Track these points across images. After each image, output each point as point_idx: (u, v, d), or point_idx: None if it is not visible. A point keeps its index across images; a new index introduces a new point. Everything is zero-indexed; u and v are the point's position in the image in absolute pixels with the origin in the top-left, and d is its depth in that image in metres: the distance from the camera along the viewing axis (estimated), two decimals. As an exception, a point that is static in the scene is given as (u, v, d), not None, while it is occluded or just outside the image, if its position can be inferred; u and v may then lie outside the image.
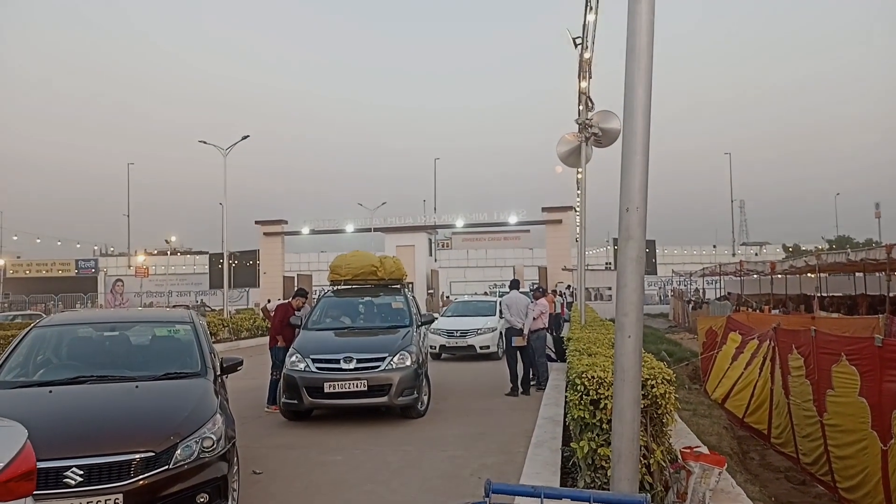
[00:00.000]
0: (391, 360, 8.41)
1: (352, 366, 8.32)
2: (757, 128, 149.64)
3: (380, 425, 8.17)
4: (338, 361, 8.37)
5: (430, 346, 14.73)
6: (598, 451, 4.41)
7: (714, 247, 63.71)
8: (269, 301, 21.20)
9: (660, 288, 49.48)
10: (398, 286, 11.20)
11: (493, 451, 6.79)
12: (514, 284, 11.64)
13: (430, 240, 41.09)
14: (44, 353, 5.50)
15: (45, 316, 9.59)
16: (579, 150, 10.47)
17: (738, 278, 29.74)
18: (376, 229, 40.96)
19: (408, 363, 8.45)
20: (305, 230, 43.01)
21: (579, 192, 15.98)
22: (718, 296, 33.48)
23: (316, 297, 13.80)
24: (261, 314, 22.60)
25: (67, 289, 55.02)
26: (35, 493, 2.73)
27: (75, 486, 3.84)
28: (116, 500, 3.86)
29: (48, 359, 5.47)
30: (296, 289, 11.74)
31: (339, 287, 11.10)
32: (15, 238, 62.52)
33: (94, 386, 4.91)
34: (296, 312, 10.03)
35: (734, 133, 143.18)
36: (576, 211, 31.16)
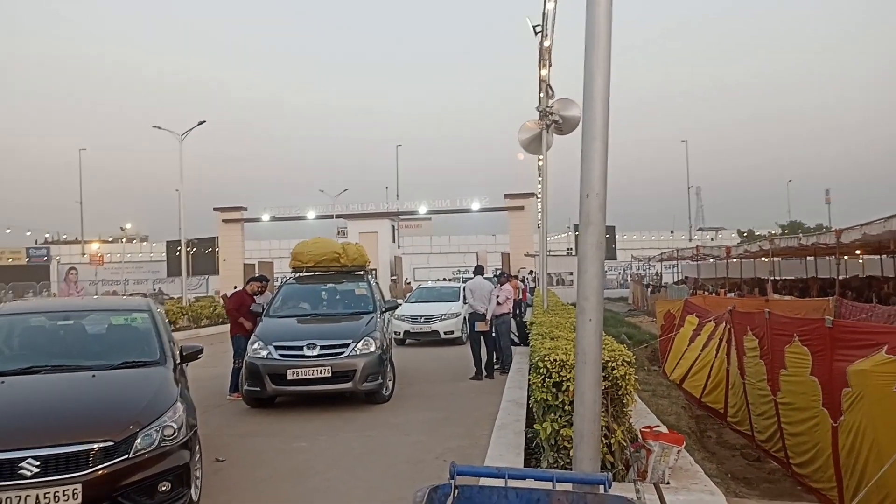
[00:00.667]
0: (355, 346, 8.38)
1: (315, 352, 8.27)
2: (713, 117, 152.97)
3: (344, 411, 8.16)
4: (301, 348, 8.30)
5: (395, 332, 14.73)
6: (561, 433, 4.49)
7: (672, 232, 65.10)
8: (234, 288, 20.96)
9: (620, 273, 50.36)
10: (361, 272, 11.15)
11: (457, 435, 6.85)
12: (479, 270, 11.71)
13: (392, 227, 40.95)
14: (-7, 343, 5.33)
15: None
16: (540, 138, 10.53)
17: (695, 263, 30.46)
18: (338, 216, 40.65)
19: (372, 349, 8.44)
20: (266, 217, 42.42)
21: (540, 178, 16.11)
22: (676, 280, 34.29)
23: (278, 284, 13.65)
24: (221, 301, 22.27)
25: (18, 277, 53.25)
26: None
27: (31, 478, 3.75)
28: (75, 491, 3.78)
29: (-1, 349, 5.30)
30: (256, 275, 11.58)
31: (301, 274, 11.00)
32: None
33: (49, 376, 4.78)
34: (254, 299, 9.90)
35: (691, 122, 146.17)
36: (537, 197, 31.42)
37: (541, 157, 11.88)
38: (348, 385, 8.20)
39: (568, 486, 2.15)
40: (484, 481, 2.07)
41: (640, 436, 4.68)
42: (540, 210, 17.47)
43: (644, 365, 12.51)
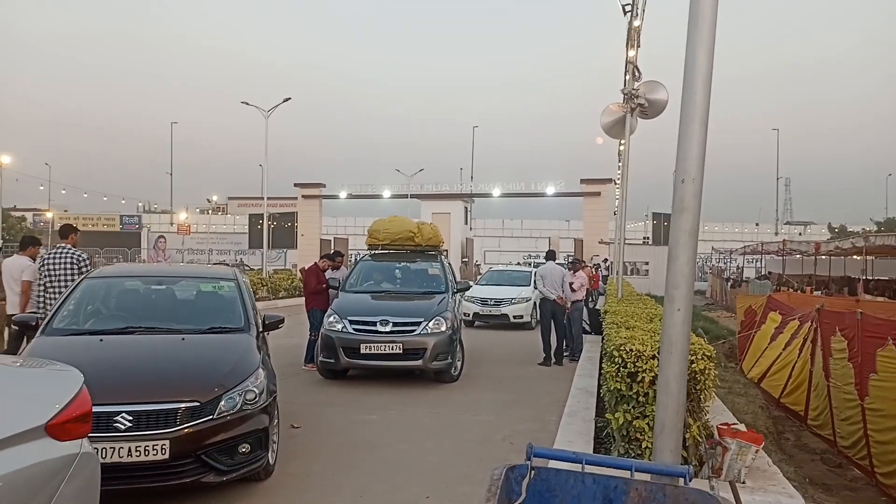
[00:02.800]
0: (426, 325, 8.49)
1: (387, 329, 8.43)
2: (807, 104, 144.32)
3: (414, 388, 8.30)
4: (374, 324, 8.48)
5: (464, 314, 14.82)
6: (634, 423, 4.42)
7: (757, 225, 62.28)
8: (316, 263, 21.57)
9: (699, 265, 48.69)
10: (435, 253, 11.24)
11: (525, 419, 6.85)
12: (551, 255, 11.59)
13: (465, 208, 40.98)
14: (94, 303, 5.68)
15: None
16: (623, 121, 10.24)
17: (780, 258, 29.01)
18: (413, 196, 40.97)
19: (443, 328, 8.52)
20: (343, 194, 43.28)
21: (620, 164, 15.70)
22: (759, 275, 32.79)
23: (352, 260, 13.92)
24: (298, 275, 22.95)
25: (112, 243, 56.59)
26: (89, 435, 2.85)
27: (125, 431, 3.99)
28: (163, 446, 4.01)
29: (98, 309, 5.64)
30: (331, 251, 11.89)
31: (376, 251, 11.19)
32: (63, 192, 64.44)
33: (143, 336, 5.07)
34: (325, 273, 10.17)
35: (782, 105, 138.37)
36: (615, 183, 30.63)
37: (622, 141, 11.58)
38: (418, 363, 8.33)
39: (645, 477, 2.11)
40: (559, 465, 2.07)
41: (716, 432, 4.54)
42: (618, 197, 17.04)
43: (721, 361, 12.08)
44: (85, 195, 66.67)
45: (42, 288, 7.12)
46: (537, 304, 12.83)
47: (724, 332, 15.95)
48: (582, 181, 38.56)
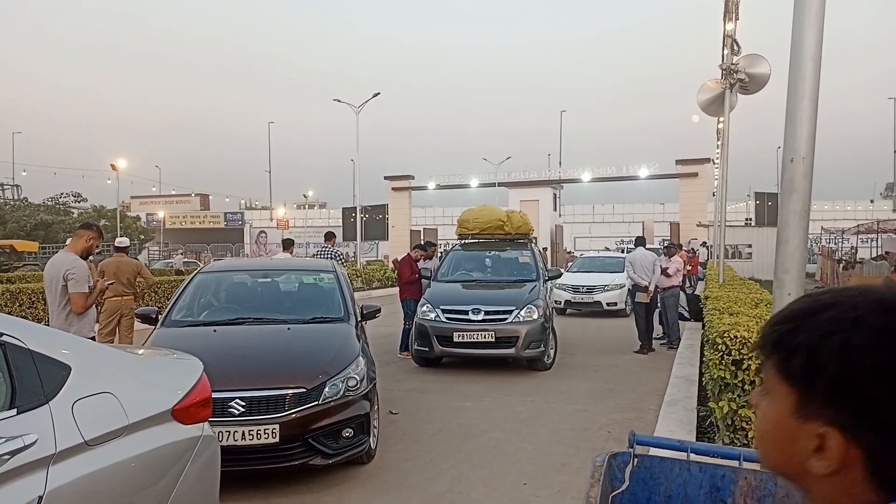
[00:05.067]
0: (518, 313, 8.49)
1: (480, 317, 8.50)
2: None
3: (507, 376, 8.33)
4: (466, 313, 8.58)
5: (555, 302, 14.68)
6: (739, 412, 4.25)
7: (872, 202, 57.82)
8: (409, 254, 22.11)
9: (807, 246, 45.74)
10: (525, 241, 11.19)
11: (622, 408, 6.73)
12: (640, 241, 11.24)
13: (554, 195, 40.42)
14: (206, 296, 6.07)
15: (200, 264, 10.63)
16: (722, 98, 9.79)
17: (900, 237, 26.87)
18: (500, 184, 40.88)
19: (535, 317, 8.50)
20: (431, 185, 43.78)
21: (720, 142, 15.01)
22: (875, 255, 30.51)
23: (441, 251, 14.10)
24: (391, 266, 23.49)
25: (217, 239, 59.88)
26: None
27: (238, 416, 4.26)
28: (273, 430, 4.25)
29: (210, 301, 6.03)
30: (422, 242, 12.12)
31: (466, 241, 11.28)
32: (173, 192, 68.65)
33: (252, 327, 5.37)
34: (417, 263, 10.36)
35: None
36: (714, 163, 29.28)
37: (721, 118, 11.07)
38: (511, 351, 8.36)
39: (755, 466, 2.05)
40: (664, 454, 2.03)
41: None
42: (717, 177, 16.30)
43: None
44: (193, 194, 70.78)
45: None
46: (630, 290, 12.54)
47: (837, 318, 14.95)
48: (677, 162, 37.16)
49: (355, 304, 5.95)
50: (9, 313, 8.80)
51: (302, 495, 4.39)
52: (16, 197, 60.49)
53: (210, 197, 69.26)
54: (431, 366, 8.92)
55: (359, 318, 5.73)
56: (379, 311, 6.02)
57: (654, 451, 2.09)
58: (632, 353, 10.16)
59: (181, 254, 37.51)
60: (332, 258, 9.99)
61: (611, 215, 58.12)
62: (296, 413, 4.35)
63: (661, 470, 1.92)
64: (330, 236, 11.45)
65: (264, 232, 62.96)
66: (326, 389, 4.50)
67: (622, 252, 23.19)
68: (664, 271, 10.84)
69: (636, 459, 1.90)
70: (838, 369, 0.67)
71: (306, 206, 67.40)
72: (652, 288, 10.34)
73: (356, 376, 4.69)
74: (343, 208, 49.02)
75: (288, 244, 11.68)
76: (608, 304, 15.35)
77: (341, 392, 4.56)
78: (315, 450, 4.42)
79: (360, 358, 4.90)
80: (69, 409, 2.19)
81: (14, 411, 2.06)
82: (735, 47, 9.38)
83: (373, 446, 4.97)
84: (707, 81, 9.88)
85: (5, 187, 62.29)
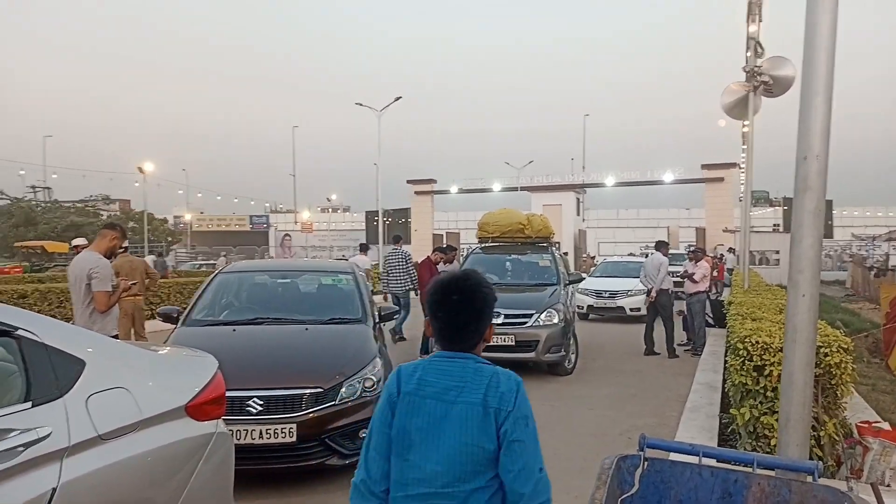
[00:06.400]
0: (538, 317, 8.44)
1: (499, 321, 8.45)
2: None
3: (527, 380, 8.19)
4: (486, 316, 8.54)
5: (577, 306, 14.58)
6: (761, 420, 4.17)
7: (904, 207, 56.56)
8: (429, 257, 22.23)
9: (836, 253, 44.88)
10: (545, 244, 11.13)
11: (644, 413, 6.64)
12: (659, 245, 11.11)
13: (577, 199, 40.16)
14: (227, 296, 6.13)
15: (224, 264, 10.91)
16: (746, 101, 9.63)
17: (934, 243, 26.21)
18: (523, 188, 40.75)
19: (555, 321, 8.44)
20: (454, 189, 43.78)
21: (745, 146, 14.78)
22: (908, 262, 29.84)
23: (463, 255, 14.09)
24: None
25: (242, 241, 60.54)
26: (223, 417, 3.08)
27: (256, 415, 4.28)
28: (291, 429, 4.27)
29: (230, 302, 6.08)
30: (444, 245, 12.14)
31: (487, 244, 11.25)
32: (199, 195, 69.74)
33: (271, 327, 5.41)
34: (437, 267, 10.35)
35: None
36: (740, 168, 28.86)
37: (746, 122, 10.90)
38: (531, 355, 8.30)
39: (770, 472, 2.00)
40: (675, 458, 2.00)
41: (855, 431, 4.21)
42: (742, 182, 16.06)
43: (863, 356, 11.12)
44: (218, 198, 71.90)
45: (385, 273, 11.60)
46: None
47: (867, 325, 14.62)
48: (703, 166, 36.68)
49: (373, 305, 5.97)
50: (39, 312, 8.99)
51: (319, 495, 4.39)
52: (47, 199, 61.75)
53: (235, 200, 70.01)
54: (451, 369, 8.88)
55: (377, 320, 5.74)
56: (397, 312, 6.03)
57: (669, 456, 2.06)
58: (655, 358, 10.05)
59: (224, 256, 38.01)
60: (404, 260, 11.38)
61: (635, 220, 57.63)
62: (313, 413, 4.37)
63: (672, 474, 1.89)
64: (397, 239, 12.32)
65: (289, 235, 63.48)
66: (343, 390, 4.51)
67: (646, 257, 22.98)
68: (690, 276, 10.72)
69: (646, 463, 1.87)
70: None
71: (330, 210, 67.90)
72: (654, 291, 10.43)
73: (373, 377, 4.69)
74: (366, 212, 49.16)
75: (364, 248, 13.07)
76: (631, 310, 15.19)
77: (358, 393, 4.56)
78: (332, 450, 4.43)
79: (378, 359, 4.91)
80: (83, 403, 2.22)
81: (29, 404, 2.09)
82: (758, 49, 9.23)
83: (389, 448, 4.95)
84: (731, 84, 9.73)
85: (37, 189, 63.69)
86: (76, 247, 8.62)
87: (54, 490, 2.02)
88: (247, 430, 4.21)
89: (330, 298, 6.18)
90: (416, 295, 11.57)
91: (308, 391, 4.41)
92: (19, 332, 2.18)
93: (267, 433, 4.24)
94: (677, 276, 12.09)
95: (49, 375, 2.19)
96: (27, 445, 1.99)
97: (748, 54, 9.75)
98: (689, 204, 51.79)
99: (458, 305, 1.78)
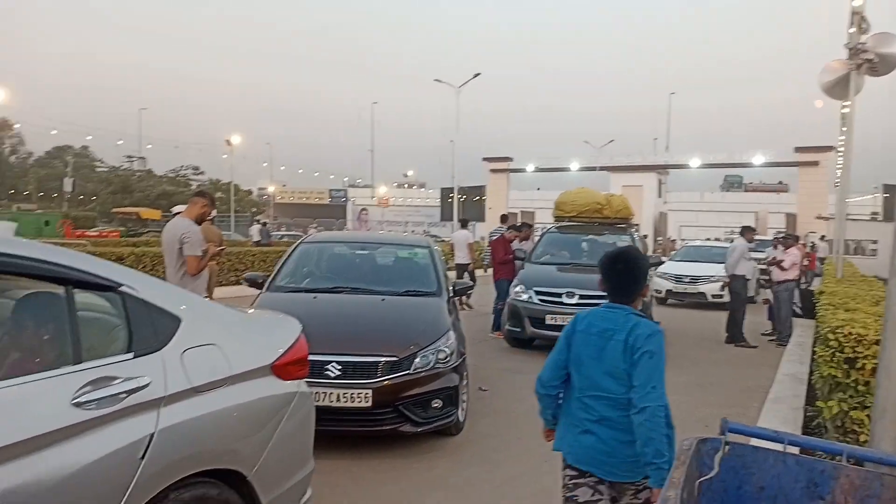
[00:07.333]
0: (615, 298, 8.28)
1: (574, 301, 8.38)
2: None
3: (600, 362, 8.17)
4: (560, 295, 8.47)
5: (655, 290, 14.23)
6: (850, 414, 3.97)
7: None
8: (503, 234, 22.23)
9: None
10: (624, 226, 10.89)
11: (722, 403, 6.45)
12: (744, 231, 10.65)
13: (659, 180, 38.98)
14: (308, 265, 6.33)
15: (303, 235, 11.22)
16: (847, 80, 9.03)
17: None
18: (602, 168, 39.89)
19: (633, 303, 8.28)
20: (530, 168, 43.39)
21: (844, 128, 13.89)
22: None
23: (538, 234, 13.98)
24: (486, 245, 23.53)
25: (321, 214, 62.27)
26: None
27: (334, 378, 4.43)
28: (367, 395, 4.40)
29: (311, 270, 6.29)
30: (517, 223, 12.05)
31: (563, 223, 11.10)
32: (282, 168, 71.96)
33: (349, 296, 5.56)
34: (511, 244, 10.30)
35: None
36: (837, 151, 27.13)
37: (846, 103, 10.24)
38: (607, 336, 8.18)
39: (858, 467, 1.91)
40: (757, 444, 1.94)
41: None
42: (839, 166, 15.12)
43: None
44: (300, 171, 74.07)
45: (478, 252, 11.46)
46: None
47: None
48: (796, 149, 34.85)
49: (448, 280, 6.03)
50: (134, 274, 9.57)
51: (391, 460, 4.53)
52: (141, 168, 65.20)
53: (316, 174, 71.78)
54: (523, 347, 8.90)
55: (451, 294, 5.80)
56: (471, 287, 6.07)
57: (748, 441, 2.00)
58: (734, 346, 9.72)
59: (315, 227, 39.27)
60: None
61: (720, 203, 55.29)
62: (387, 380, 4.48)
63: (754, 459, 1.83)
64: (504, 218, 12.95)
65: (366, 209, 64.73)
66: (417, 360, 4.60)
67: (730, 242, 22.11)
68: (779, 264, 10.27)
69: (727, 447, 1.82)
70: None
71: (406, 186, 68.65)
72: (729, 274, 10.28)
73: (446, 349, 4.76)
74: (441, 188, 49.47)
75: (465, 223, 14.37)
76: (713, 296, 14.68)
77: (431, 363, 4.65)
78: (405, 417, 4.54)
79: (451, 332, 4.97)
80: (179, 356, 2.36)
81: (131, 355, 2.25)
82: (863, 25, 8.59)
83: (461, 419, 5.04)
84: (831, 62, 9.13)
85: (132, 159, 67.37)
86: (177, 213, 9.05)
87: (152, 435, 2.16)
88: (325, 393, 4.36)
89: (406, 271, 6.29)
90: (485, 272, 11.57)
91: (383, 359, 4.52)
92: (123, 287, 2.34)
93: (344, 397, 4.39)
94: (763, 264, 11.61)
95: (149, 329, 2.34)
96: (129, 392, 2.14)
97: (851, 30, 9.10)
98: (780, 188, 49.28)
99: (623, 272, 2.53)
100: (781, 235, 11.79)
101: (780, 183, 60.47)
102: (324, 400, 4.32)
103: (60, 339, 2.15)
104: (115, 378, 2.13)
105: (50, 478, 1.88)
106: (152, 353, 2.30)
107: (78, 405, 1.99)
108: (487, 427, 5.32)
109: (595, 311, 2.58)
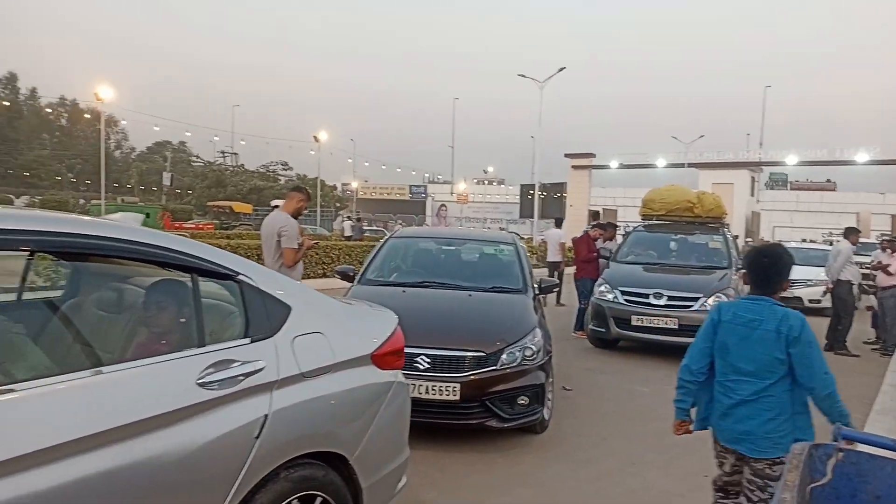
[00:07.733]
0: (706, 301, 8.03)
1: (661, 302, 8.18)
2: None
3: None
4: (647, 296, 8.29)
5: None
6: (969, 430, 3.72)
7: None
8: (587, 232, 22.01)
9: None
10: (716, 225, 10.52)
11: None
12: (848, 233, 10.04)
13: (752, 178, 37.25)
14: (396, 260, 6.49)
15: (386, 231, 11.36)
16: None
17: None
18: (690, 165, 38.54)
19: (724, 306, 8.00)
20: (614, 164, 42.36)
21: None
22: None
23: (622, 233, 13.71)
24: (568, 244, 23.25)
25: (401, 210, 63.28)
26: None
27: (423, 371, 4.54)
28: (455, 389, 4.48)
29: (399, 265, 6.44)
30: (602, 221, 11.86)
31: (651, 222, 10.85)
32: (366, 164, 73.62)
33: (436, 291, 5.65)
34: (595, 243, 10.15)
35: None
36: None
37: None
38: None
39: None
40: (874, 452, 1.87)
41: None
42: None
43: None
44: (383, 167, 75.39)
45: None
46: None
47: None
48: (905, 146, 32.43)
49: (533, 277, 6.03)
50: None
51: (478, 454, 4.60)
52: (234, 164, 68.08)
53: (398, 170, 72.93)
54: (607, 347, 8.77)
55: (536, 292, 5.80)
56: (557, 285, 6.06)
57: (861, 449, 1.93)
58: (833, 355, 9.24)
59: (400, 222, 40.24)
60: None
61: (818, 203, 52.30)
62: (475, 375, 4.54)
63: (870, 468, 1.77)
64: (596, 215, 12.96)
65: (445, 205, 65.19)
66: (504, 356, 4.64)
67: (830, 245, 20.92)
68: (884, 268, 9.65)
69: (841, 453, 1.77)
70: None
71: (486, 182, 68.67)
72: (832, 279, 9.73)
73: (533, 346, 4.78)
74: (521, 185, 49.13)
75: (559, 222, 15.26)
76: (810, 301, 13.92)
77: (518, 360, 4.68)
78: (491, 412, 4.60)
79: (538, 329, 4.98)
80: (290, 343, 2.50)
81: (248, 340, 2.40)
82: None
83: (546, 417, 5.05)
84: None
85: (226, 154, 70.55)
86: (275, 206, 9.47)
87: (266, 416, 2.31)
88: (415, 385, 4.47)
89: (492, 267, 6.33)
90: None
91: (471, 354, 4.59)
92: (241, 276, 2.50)
93: (433, 389, 4.48)
94: (867, 268, 10.92)
95: (263, 316, 2.49)
96: (246, 375, 2.29)
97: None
98: (886, 188, 46.13)
99: (768, 265, 2.78)
100: (888, 238, 11.06)
101: (828, 181, 57.36)
102: (413, 392, 4.42)
103: (187, 324, 2.33)
104: (234, 361, 2.28)
105: (178, 451, 2.05)
106: (266, 338, 2.45)
107: (203, 385, 2.15)
108: (572, 426, 5.31)
109: (739, 301, 2.86)
